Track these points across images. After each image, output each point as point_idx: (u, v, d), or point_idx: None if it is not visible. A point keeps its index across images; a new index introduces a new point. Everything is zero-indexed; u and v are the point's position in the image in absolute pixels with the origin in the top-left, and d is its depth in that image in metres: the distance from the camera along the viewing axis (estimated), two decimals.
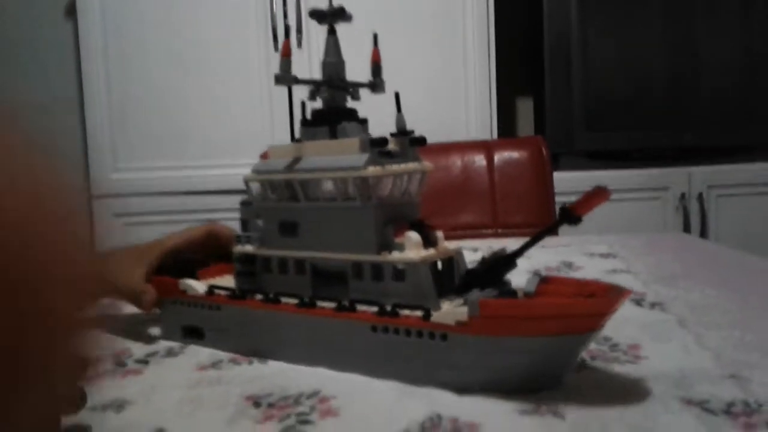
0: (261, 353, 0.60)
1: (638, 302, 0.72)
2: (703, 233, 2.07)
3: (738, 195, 2.08)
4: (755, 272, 0.87)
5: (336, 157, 0.57)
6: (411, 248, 0.54)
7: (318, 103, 0.60)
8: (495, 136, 2.09)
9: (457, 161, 1.54)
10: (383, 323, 0.53)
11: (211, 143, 2.02)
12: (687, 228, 2.06)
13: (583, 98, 2.08)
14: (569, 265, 0.93)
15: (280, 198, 0.61)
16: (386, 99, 0.63)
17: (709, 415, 0.45)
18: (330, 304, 0.56)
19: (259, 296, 0.61)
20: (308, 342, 0.57)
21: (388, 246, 0.55)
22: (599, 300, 0.48)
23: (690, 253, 1.03)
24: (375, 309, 0.53)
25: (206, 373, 0.58)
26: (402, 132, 0.59)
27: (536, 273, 0.51)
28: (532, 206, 1.48)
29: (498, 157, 1.53)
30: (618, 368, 0.54)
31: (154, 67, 2.07)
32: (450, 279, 0.55)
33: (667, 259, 0.96)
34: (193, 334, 0.65)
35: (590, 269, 0.89)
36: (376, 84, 0.65)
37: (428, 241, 0.55)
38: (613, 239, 1.11)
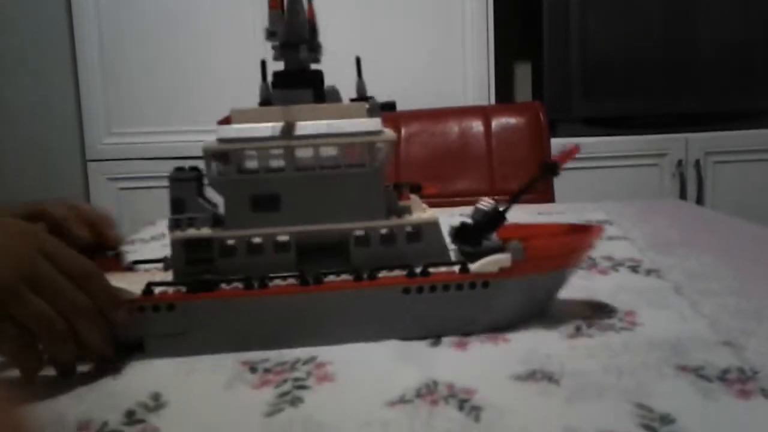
0: (239, 345, 0.53)
1: (634, 269, 0.72)
2: (700, 200, 2.07)
3: (735, 162, 2.07)
4: (752, 239, 0.87)
5: (342, 122, 0.54)
6: (418, 210, 0.57)
7: (278, 65, 0.56)
8: (492, 101, 2.08)
9: (454, 127, 1.53)
10: (416, 284, 0.53)
11: (205, 108, 2.00)
12: (683, 195, 2.06)
13: (581, 63, 2.06)
14: None
15: (257, 169, 0.54)
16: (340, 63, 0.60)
17: (703, 382, 0.45)
18: (346, 277, 0.53)
19: (236, 284, 0.53)
20: (326, 320, 0.53)
21: (395, 210, 0.56)
22: (592, 230, 0.59)
23: (687, 220, 1.03)
24: (403, 272, 0.53)
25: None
26: (362, 98, 0.57)
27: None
28: (529, 172, 1.47)
29: (495, 122, 1.52)
30: (613, 335, 0.54)
31: (147, 32, 2.04)
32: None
33: (664, 226, 0.95)
34: (123, 350, 0.52)
35: None
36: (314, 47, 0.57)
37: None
38: (609, 206, 1.11)
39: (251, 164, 0.55)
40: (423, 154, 1.50)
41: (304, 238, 0.55)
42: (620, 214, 1.03)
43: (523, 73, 2.40)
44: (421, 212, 0.57)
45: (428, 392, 0.45)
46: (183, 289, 0.53)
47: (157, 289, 0.53)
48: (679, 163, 2.06)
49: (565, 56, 2.06)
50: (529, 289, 0.55)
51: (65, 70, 2.12)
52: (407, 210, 0.57)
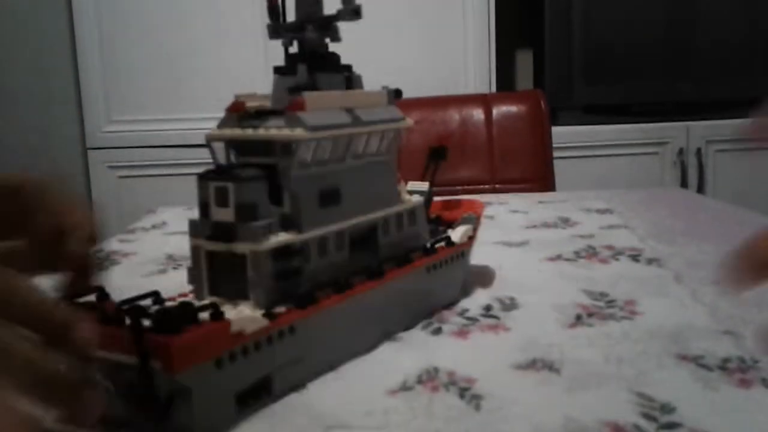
0: (352, 356, 0.49)
1: (635, 258, 0.72)
2: (701, 189, 2.07)
3: (736, 150, 2.07)
4: (752, 228, 0.87)
5: (377, 110, 0.54)
6: (404, 192, 0.59)
7: (293, 48, 0.51)
8: (493, 89, 2.07)
9: (455, 115, 1.53)
10: (434, 261, 0.56)
11: (205, 95, 2.00)
12: (684, 183, 2.06)
13: (582, 51, 2.06)
14: (566, 221, 0.92)
15: (322, 160, 0.48)
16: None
17: (704, 371, 0.45)
18: (388, 266, 0.52)
19: (330, 290, 0.47)
20: (394, 311, 0.53)
21: (400, 195, 0.58)
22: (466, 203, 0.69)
23: (687, 208, 1.03)
24: (419, 253, 0.55)
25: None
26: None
27: None
28: (530, 161, 1.47)
29: (496, 111, 1.51)
30: (614, 324, 0.54)
31: (147, 19, 2.03)
32: None
33: (665, 215, 0.95)
34: (254, 395, 0.42)
35: (587, 224, 0.89)
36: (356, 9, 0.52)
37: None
38: (610, 194, 1.10)
39: (310, 156, 0.47)
40: (423, 143, 1.50)
41: (353, 231, 0.51)
42: (621, 203, 1.03)
43: (524, 61, 2.40)
44: (414, 196, 0.60)
45: (429, 379, 0.45)
46: (281, 309, 0.44)
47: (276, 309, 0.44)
48: (680, 151, 2.06)
49: (566, 44, 2.05)
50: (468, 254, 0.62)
51: (65, 57, 2.11)
52: (403, 194, 0.59)
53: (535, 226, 0.90)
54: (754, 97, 2.19)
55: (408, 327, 0.54)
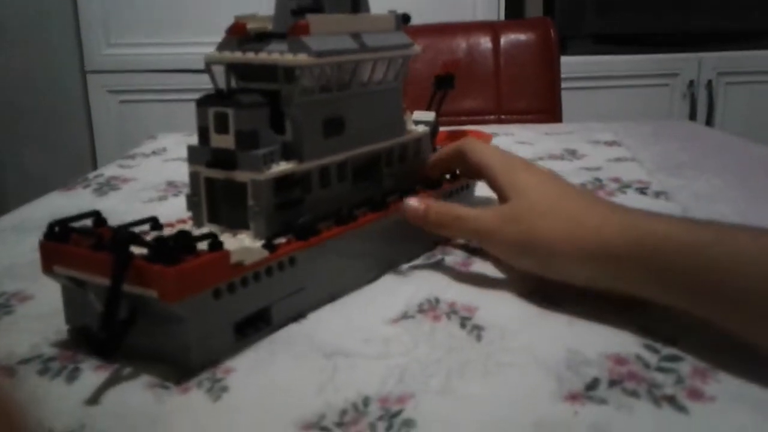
0: (351, 289, 0.48)
1: (642, 191, 0.71)
2: (709, 122, 2.04)
3: (747, 83, 2.03)
4: (762, 162, 0.86)
5: (384, 35, 0.51)
6: (410, 123, 0.57)
7: None
8: (502, 16, 2.02)
9: (461, 43, 1.49)
10: (438, 193, 0.56)
11: (209, 18, 1.95)
12: (693, 116, 2.03)
13: None
14: (573, 153, 0.91)
15: (326, 87, 0.47)
16: None
17: None
18: (392, 198, 0.51)
19: (331, 221, 0.47)
20: (400, 243, 0.52)
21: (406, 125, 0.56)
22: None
23: (697, 141, 1.01)
24: (422, 186, 0.55)
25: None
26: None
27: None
28: (538, 91, 1.44)
29: (504, 39, 1.47)
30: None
31: None
32: None
33: (673, 148, 0.94)
34: (252, 325, 0.42)
35: (594, 157, 0.88)
36: None
37: None
38: (618, 127, 1.08)
39: (314, 83, 0.46)
40: (429, 71, 1.47)
41: (356, 161, 0.50)
42: (629, 135, 1.01)
43: None
44: (419, 126, 0.58)
45: (430, 308, 0.45)
46: (281, 240, 0.44)
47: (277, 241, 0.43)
48: (691, 83, 2.02)
49: None
50: None
51: None
52: (408, 124, 0.57)
53: (541, 158, 0.89)
54: None
55: (411, 258, 0.54)
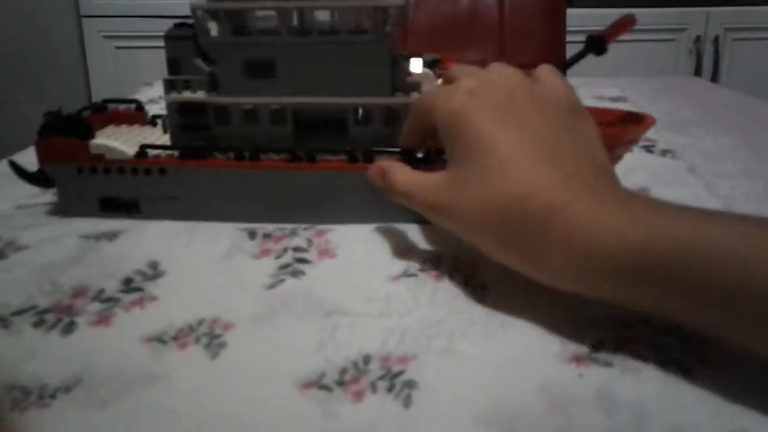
0: (228, 216, 0.52)
1: (649, 149, 0.70)
2: (714, 78, 2.01)
3: (755, 39, 2.00)
4: None
5: None
6: (429, 85, 0.51)
7: None
8: None
9: None
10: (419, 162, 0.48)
11: None
12: (698, 72, 2.00)
13: None
14: None
15: (246, 31, 0.50)
16: None
17: None
18: (341, 157, 0.49)
19: (228, 154, 0.51)
20: (319, 200, 0.51)
21: (401, 86, 0.50)
22: (643, 121, 0.50)
23: (703, 98, 0.99)
24: (399, 154, 0.48)
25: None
26: None
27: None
28: (542, 45, 1.42)
29: None
30: None
31: None
32: None
33: (680, 105, 0.92)
34: (120, 208, 0.53)
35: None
36: None
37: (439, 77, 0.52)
38: (624, 82, 1.07)
39: (224, 25, 0.50)
40: (430, 21, 1.44)
41: (302, 111, 0.51)
42: (635, 91, 0.99)
43: None
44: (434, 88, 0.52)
45: (432, 267, 0.44)
46: (175, 153, 0.52)
47: (152, 153, 0.52)
48: (697, 39, 1.98)
49: None
50: None
51: None
52: (416, 87, 0.51)
53: None
54: None
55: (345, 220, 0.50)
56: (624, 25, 0.50)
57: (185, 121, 0.52)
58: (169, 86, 0.52)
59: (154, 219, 0.52)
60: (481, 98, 0.40)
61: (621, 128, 0.50)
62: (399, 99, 0.50)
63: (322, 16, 0.50)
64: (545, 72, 0.43)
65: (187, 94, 0.52)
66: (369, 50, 0.49)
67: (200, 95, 0.51)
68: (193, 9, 0.49)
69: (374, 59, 0.49)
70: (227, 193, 0.51)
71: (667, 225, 0.32)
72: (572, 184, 0.36)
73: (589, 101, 0.92)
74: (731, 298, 0.30)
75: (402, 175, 0.43)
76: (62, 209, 0.54)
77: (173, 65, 0.52)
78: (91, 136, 0.53)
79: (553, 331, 0.37)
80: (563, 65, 0.51)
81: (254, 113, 0.51)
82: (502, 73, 0.42)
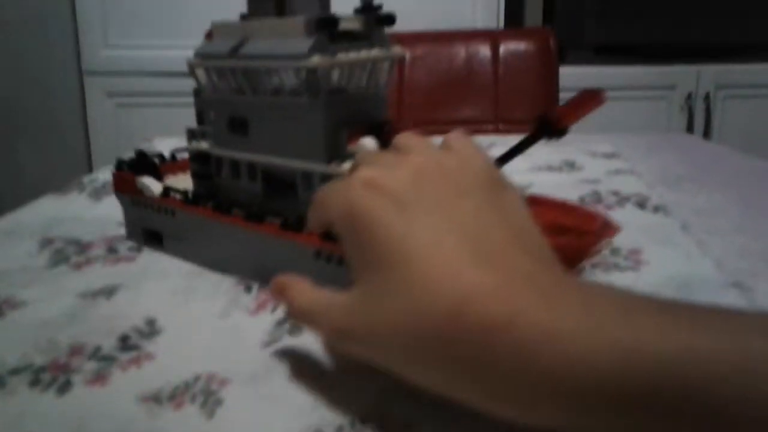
0: (214, 266, 0.54)
1: (641, 205, 0.70)
2: (707, 135, 2.04)
3: (746, 97, 2.03)
4: (760, 176, 0.86)
5: (279, 42, 0.47)
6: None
7: None
8: (502, 25, 2.02)
9: (460, 51, 1.49)
10: (328, 250, 0.45)
11: (207, 22, 1.94)
12: (690, 129, 2.03)
13: None
14: (571, 165, 0.91)
15: (227, 89, 0.51)
16: None
17: None
18: (277, 220, 0.49)
19: (210, 204, 0.53)
20: (254, 260, 0.51)
21: (340, 154, 0.46)
22: (570, 243, 0.39)
23: (696, 155, 1.01)
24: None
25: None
26: (367, 7, 0.47)
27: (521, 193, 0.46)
28: (536, 101, 1.44)
29: (504, 48, 1.47)
30: (618, 274, 0.53)
31: None
32: None
33: (673, 161, 0.93)
34: (153, 239, 0.59)
35: (593, 169, 0.87)
36: None
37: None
38: (617, 138, 1.08)
39: (204, 82, 0.53)
40: (427, 79, 1.47)
41: (269, 169, 0.50)
42: (628, 147, 1.00)
43: None
44: None
45: None
46: (177, 196, 0.56)
47: (172, 194, 0.56)
48: (688, 96, 2.02)
49: None
50: None
51: None
52: (348, 157, 0.46)
53: (539, 169, 0.88)
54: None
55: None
56: (587, 103, 0.41)
57: (198, 168, 0.56)
58: (190, 135, 0.56)
59: (172, 255, 0.57)
60: (381, 188, 0.32)
61: (581, 240, 0.43)
62: (331, 168, 0.46)
63: (277, 76, 0.49)
64: (456, 140, 0.36)
65: (197, 144, 0.55)
66: (303, 115, 0.47)
67: (204, 145, 0.55)
68: (189, 65, 0.53)
69: (309, 125, 0.47)
70: (213, 242, 0.54)
71: (646, 334, 0.25)
72: (511, 285, 0.28)
73: (581, 157, 0.93)
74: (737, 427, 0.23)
75: (302, 293, 0.36)
76: (127, 236, 0.62)
77: (199, 116, 0.55)
78: (160, 177, 0.59)
79: None
80: (505, 154, 0.45)
81: (237, 167, 0.53)
82: (406, 147, 0.36)
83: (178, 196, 0.56)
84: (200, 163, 0.55)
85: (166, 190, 0.56)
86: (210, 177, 0.55)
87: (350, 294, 0.33)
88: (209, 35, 0.54)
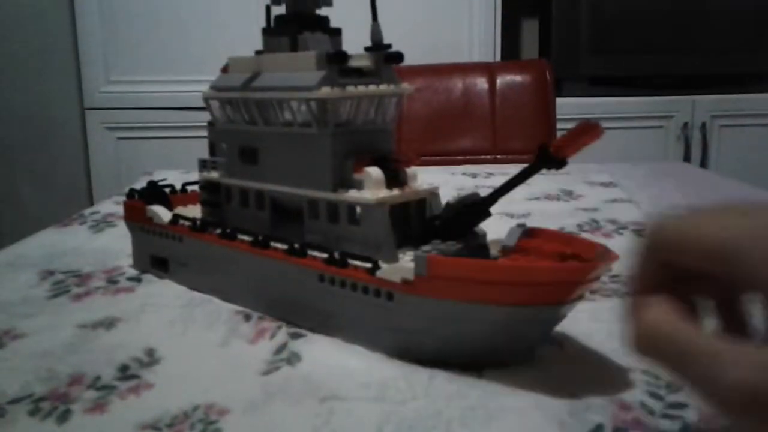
0: (218, 293, 0.55)
1: (639, 233, 0.71)
2: (704, 164, 2.05)
3: (742, 126, 2.05)
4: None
5: (291, 75, 0.49)
6: (370, 187, 0.46)
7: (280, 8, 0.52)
8: (498, 58, 2.04)
9: (458, 83, 1.50)
10: (331, 273, 0.46)
11: (206, 57, 1.96)
12: (687, 158, 2.04)
13: (590, 21, 2.02)
14: (569, 194, 0.91)
15: (240, 120, 0.53)
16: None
17: None
18: (283, 246, 0.49)
19: (218, 230, 0.54)
20: (258, 286, 0.51)
21: (346, 183, 0.47)
22: (575, 266, 0.40)
23: (693, 183, 1.01)
24: (325, 256, 0.46)
25: (198, 293, 0.56)
26: (377, 46, 0.49)
27: (520, 224, 0.45)
28: (533, 132, 1.45)
29: (500, 80, 1.49)
30: (617, 300, 0.53)
31: None
32: (420, 226, 0.48)
33: (670, 189, 0.94)
34: (159, 265, 0.60)
35: (591, 198, 0.88)
36: None
37: (395, 179, 0.47)
38: (614, 168, 1.09)
39: (218, 114, 0.55)
40: (425, 111, 1.48)
41: (277, 197, 0.51)
42: (625, 176, 1.01)
43: (530, 30, 2.36)
44: (372, 190, 0.46)
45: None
46: (186, 224, 0.57)
47: (181, 221, 0.58)
48: (685, 125, 2.03)
49: (573, 13, 2.02)
50: (454, 318, 0.41)
51: (63, 15, 2.07)
52: (359, 185, 0.47)
53: (537, 198, 0.89)
54: (763, 72, 2.16)
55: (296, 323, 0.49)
56: (586, 134, 0.41)
57: (208, 197, 0.57)
58: (202, 165, 0.57)
59: (177, 282, 0.58)
60: None
61: (583, 265, 0.41)
62: (337, 196, 0.47)
63: (287, 108, 0.49)
64: None
65: (208, 174, 0.57)
66: (312, 144, 0.48)
67: (214, 175, 0.56)
68: (204, 97, 0.55)
69: (316, 153, 0.48)
70: (218, 269, 0.54)
71: None
72: None
73: (579, 186, 0.94)
74: None
75: (682, 327, 0.27)
76: (134, 264, 0.63)
77: (211, 147, 0.57)
78: (170, 206, 0.61)
79: (551, 416, 0.37)
80: (506, 184, 0.44)
81: (246, 195, 0.54)
82: None
83: (186, 223, 0.57)
84: (210, 192, 0.57)
85: (175, 218, 0.58)
86: (219, 205, 0.56)
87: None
88: (225, 69, 0.56)
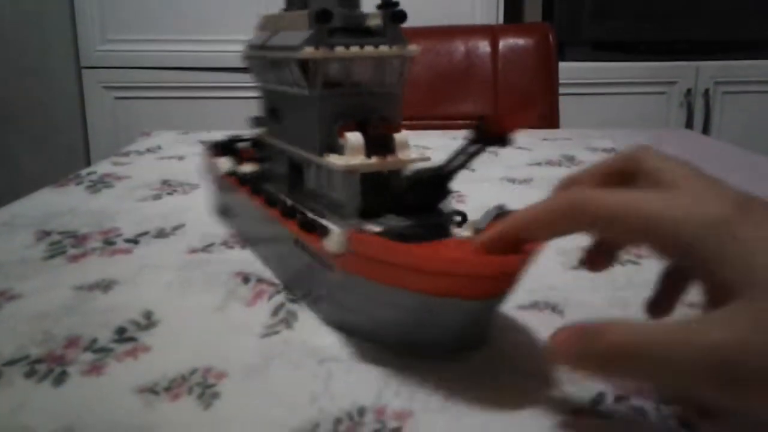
0: (245, 243, 0.59)
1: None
2: (706, 131, 2.04)
3: (744, 92, 2.03)
4: (760, 172, 0.85)
5: (290, 34, 0.48)
6: (348, 152, 0.44)
7: None
8: (501, 21, 2.02)
9: (460, 47, 1.48)
10: (301, 237, 0.44)
11: (204, 16, 1.94)
12: (690, 125, 2.03)
13: None
14: (571, 159, 0.90)
15: (265, 79, 0.55)
16: None
17: None
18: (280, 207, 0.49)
19: (250, 185, 0.55)
20: (267, 246, 0.53)
21: (332, 147, 0.45)
22: (506, 259, 0.35)
23: (694, 150, 1.00)
24: (301, 217, 0.46)
25: (196, 255, 0.56)
26: (385, 4, 0.47)
27: (498, 206, 0.41)
28: (535, 96, 1.44)
29: (503, 43, 1.47)
30: (619, 268, 0.52)
31: None
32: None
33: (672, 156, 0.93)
34: (225, 213, 0.64)
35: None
36: None
37: (382, 146, 0.45)
38: (616, 134, 1.08)
39: (252, 72, 0.57)
40: (427, 74, 1.46)
41: (292, 158, 0.51)
42: (627, 142, 1.00)
43: None
44: (347, 156, 0.44)
45: None
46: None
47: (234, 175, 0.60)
48: (688, 92, 2.02)
49: None
50: (379, 300, 0.38)
51: None
52: (341, 149, 0.45)
53: (539, 164, 0.88)
54: (767, 39, 2.12)
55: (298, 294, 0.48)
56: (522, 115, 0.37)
57: (259, 152, 0.61)
58: (255, 122, 0.59)
59: (228, 228, 0.62)
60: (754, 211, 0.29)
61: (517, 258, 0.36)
62: (320, 159, 0.46)
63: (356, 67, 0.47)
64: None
65: (257, 131, 0.60)
66: (303, 107, 0.47)
67: (260, 132, 0.59)
68: (242, 56, 0.57)
69: (307, 117, 0.47)
70: (245, 223, 0.58)
71: None
72: None
73: (582, 152, 0.93)
74: None
75: (616, 327, 0.29)
76: (215, 210, 0.67)
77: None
78: (242, 160, 0.63)
79: (552, 385, 0.36)
80: (450, 167, 0.40)
81: (277, 153, 0.55)
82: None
83: (234, 177, 0.59)
84: (258, 149, 0.61)
85: (232, 170, 0.61)
86: (263, 159, 0.60)
87: (730, 318, 0.26)
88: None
